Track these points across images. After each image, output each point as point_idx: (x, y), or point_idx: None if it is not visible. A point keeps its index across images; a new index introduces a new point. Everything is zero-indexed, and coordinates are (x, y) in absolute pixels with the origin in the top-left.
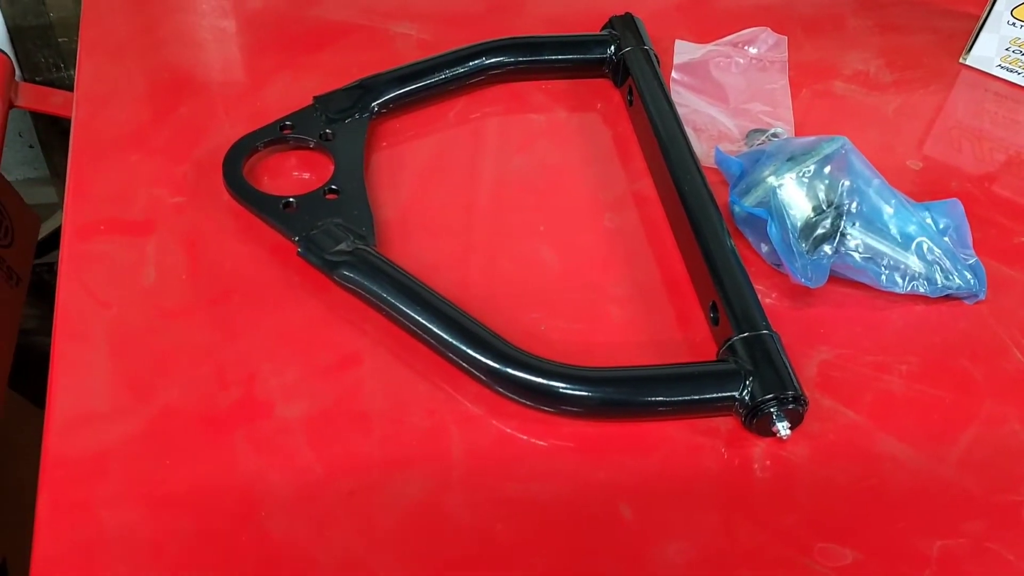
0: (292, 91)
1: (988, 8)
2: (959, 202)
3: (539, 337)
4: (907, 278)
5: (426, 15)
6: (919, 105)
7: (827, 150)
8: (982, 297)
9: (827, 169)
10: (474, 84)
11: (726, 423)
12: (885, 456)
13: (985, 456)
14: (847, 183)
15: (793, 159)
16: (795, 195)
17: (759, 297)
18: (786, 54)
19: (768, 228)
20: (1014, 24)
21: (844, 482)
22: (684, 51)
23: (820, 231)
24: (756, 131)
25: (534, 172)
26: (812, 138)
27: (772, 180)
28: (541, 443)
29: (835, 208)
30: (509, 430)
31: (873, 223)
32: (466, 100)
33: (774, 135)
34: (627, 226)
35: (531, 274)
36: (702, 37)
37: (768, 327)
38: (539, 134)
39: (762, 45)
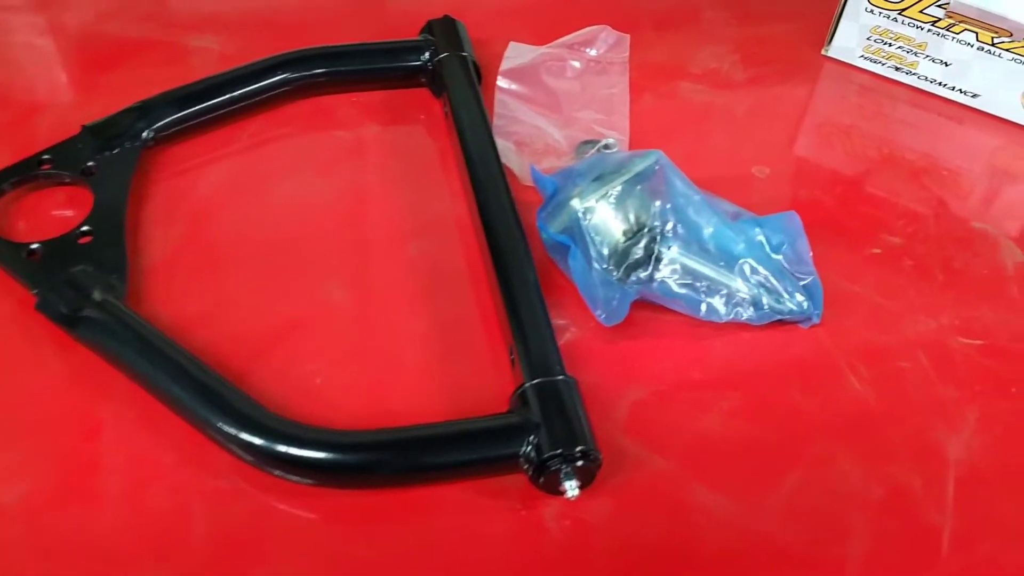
0: (72, 117)
1: None
2: (796, 215)
3: (313, 393)
4: (731, 304)
5: (233, 26)
6: (775, 104)
7: (639, 167)
8: (816, 321)
9: (639, 188)
10: (275, 99)
11: (517, 481)
12: (696, 508)
13: (809, 503)
14: (662, 203)
15: (600, 179)
16: (605, 218)
17: (572, 329)
18: (627, 54)
19: (569, 257)
20: (872, 11)
21: (648, 542)
22: (515, 55)
23: (634, 256)
24: (586, 143)
25: (334, 197)
26: (626, 154)
27: (576, 203)
28: (308, 516)
29: (649, 231)
30: (269, 503)
31: (693, 245)
32: (264, 118)
33: (605, 147)
34: (434, 255)
35: (315, 317)
36: (548, 38)
37: (562, 371)
38: (345, 153)
39: (602, 45)
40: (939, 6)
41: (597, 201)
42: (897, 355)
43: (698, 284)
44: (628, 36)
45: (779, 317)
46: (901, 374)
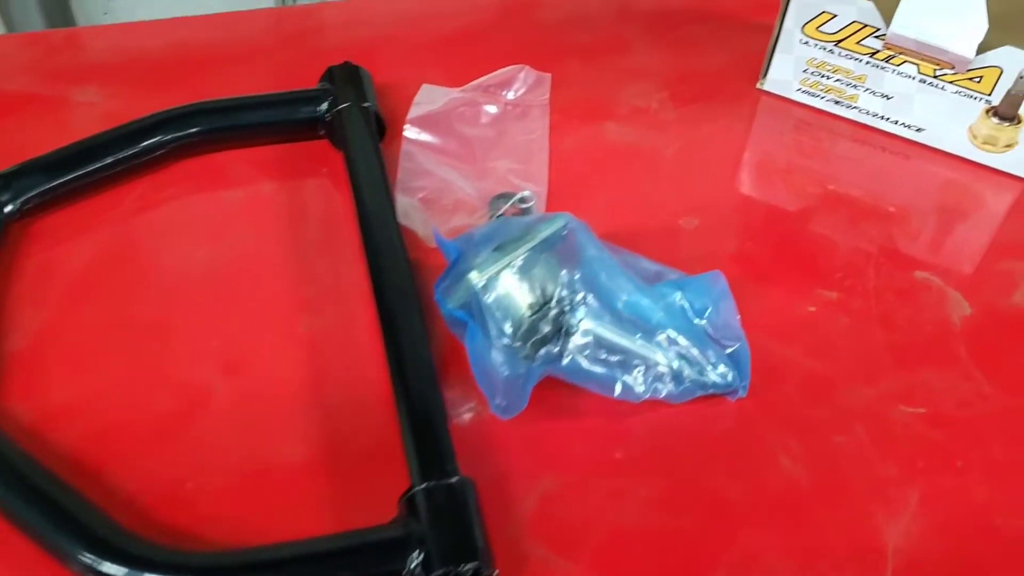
0: None
1: (778, 26)
2: (721, 275)
3: (182, 502)
4: (649, 379)
5: (121, 77)
6: (706, 144)
7: (545, 232)
8: (743, 394)
9: (546, 256)
10: (160, 160)
11: None
12: None
13: None
14: (572, 271)
15: (502, 248)
16: (508, 291)
17: (476, 411)
18: (547, 95)
19: (467, 336)
20: (807, 43)
21: None
22: (427, 100)
23: (542, 332)
24: (500, 197)
25: (222, 267)
26: (532, 217)
27: (475, 277)
28: None
29: (557, 303)
30: None
31: (606, 316)
32: (149, 181)
33: (521, 201)
34: (330, 332)
35: (191, 410)
36: (468, 78)
37: (455, 471)
38: (237, 216)
39: (520, 86)
40: (876, 37)
41: (498, 273)
42: (832, 428)
43: (612, 359)
44: (549, 76)
45: (702, 392)
46: (836, 450)
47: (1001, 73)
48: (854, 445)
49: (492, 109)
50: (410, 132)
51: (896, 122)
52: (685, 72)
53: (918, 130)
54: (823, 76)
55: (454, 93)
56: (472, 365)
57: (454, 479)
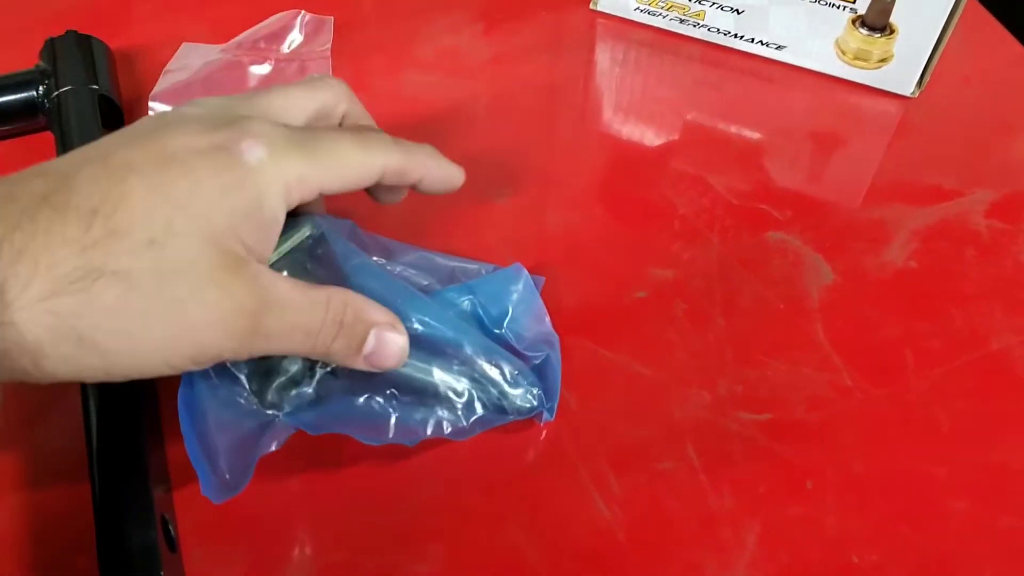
0: None
1: None
2: (521, 268)
3: None
4: (432, 413)
5: None
6: (529, 86)
7: (284, 246)
8: (549, 417)
9: (290, 274)
10: None
11: None
12: None
13: None
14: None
15: None
16: None
17: None
18: (329, 44)
19: (181, 388)
20: None
21: None
22: (182, 66)
23: (287, 372)
24: None
25: None
26: None
27: None
28: None
29: None
30: None
31: None
32: None
33: None
34: None
35: None
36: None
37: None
38: None
39: (297, 36)
40: None
41: None
42: (658, 452)
43: (382, 394)
44: (331, 19)
45: (501, 421)
46: (662, 482)
47: None
48: (683, 473)
49: (261, 69)
50: (156, 111)
51: (752, 40)
52: None
53: (778, 48)
54: None
55: (215, 51)
56: (183, 425)
57: None
